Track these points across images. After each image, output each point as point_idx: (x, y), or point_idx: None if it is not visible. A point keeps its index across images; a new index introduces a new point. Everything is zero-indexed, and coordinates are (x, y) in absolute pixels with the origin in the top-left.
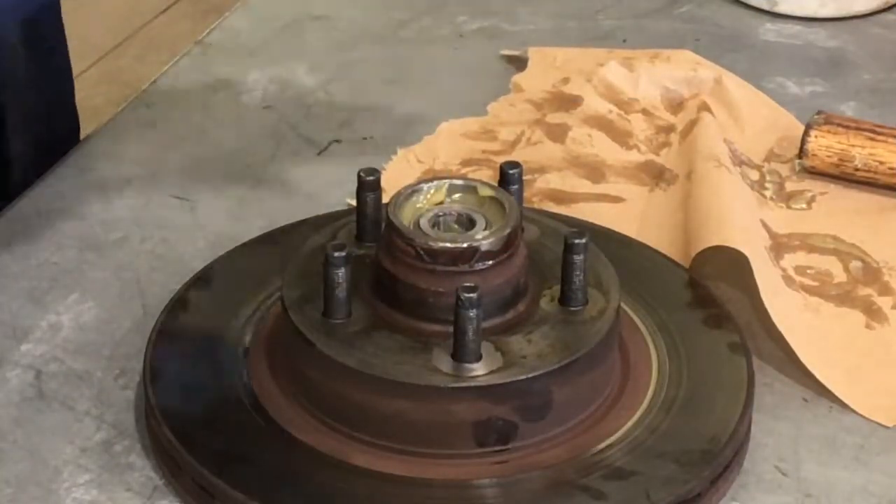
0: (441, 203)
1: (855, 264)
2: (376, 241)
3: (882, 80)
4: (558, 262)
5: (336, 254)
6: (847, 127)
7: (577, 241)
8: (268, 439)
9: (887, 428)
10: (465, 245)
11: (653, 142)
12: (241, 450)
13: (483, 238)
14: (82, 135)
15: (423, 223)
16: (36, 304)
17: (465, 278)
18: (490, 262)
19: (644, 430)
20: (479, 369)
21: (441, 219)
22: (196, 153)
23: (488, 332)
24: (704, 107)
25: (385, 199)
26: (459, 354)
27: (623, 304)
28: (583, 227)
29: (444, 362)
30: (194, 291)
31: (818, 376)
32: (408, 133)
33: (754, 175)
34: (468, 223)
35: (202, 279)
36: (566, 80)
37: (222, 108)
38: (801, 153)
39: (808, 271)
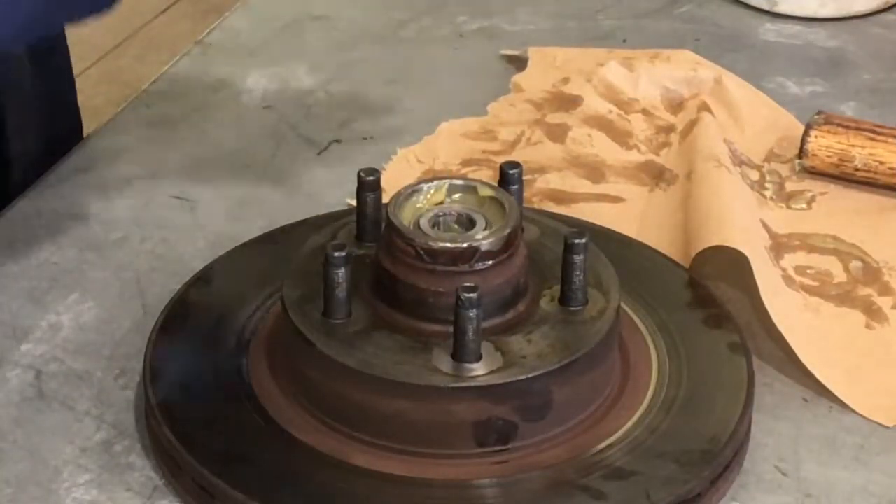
0: (441, 203)
1: (855, 264)
2: (376, 241)
3: (882, 80)
4: (558, 262)
5: (336, 254)
6: (847, 127)
7: (577, 241)
8: (268, 439)
9: (887, 428)
10: (465, 245)
11: (653, 142)
12: (241, 450)
13: (483, 238)
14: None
15: (423, 223)
16: (36, 304)
17: (465, 278)
18: (490, 262)
19: (644, 430)
20: (479, 369)
21: (441, 219)
22: (196, 153)
23: (488, 332)
24: (704, 107)
25: (385, 199)
26: (459, 354)
27: (623, 304)
28: (583, 227)
29: (444, 362)
30: (194, 291)
31: (818, 376)
32: (408, 133)
33: (754, 175)
34: (468, 223)
35: (202, 279)
36: (566, 80)
37: (222, 108)
38: (801, 153)
39: (808, 271)
